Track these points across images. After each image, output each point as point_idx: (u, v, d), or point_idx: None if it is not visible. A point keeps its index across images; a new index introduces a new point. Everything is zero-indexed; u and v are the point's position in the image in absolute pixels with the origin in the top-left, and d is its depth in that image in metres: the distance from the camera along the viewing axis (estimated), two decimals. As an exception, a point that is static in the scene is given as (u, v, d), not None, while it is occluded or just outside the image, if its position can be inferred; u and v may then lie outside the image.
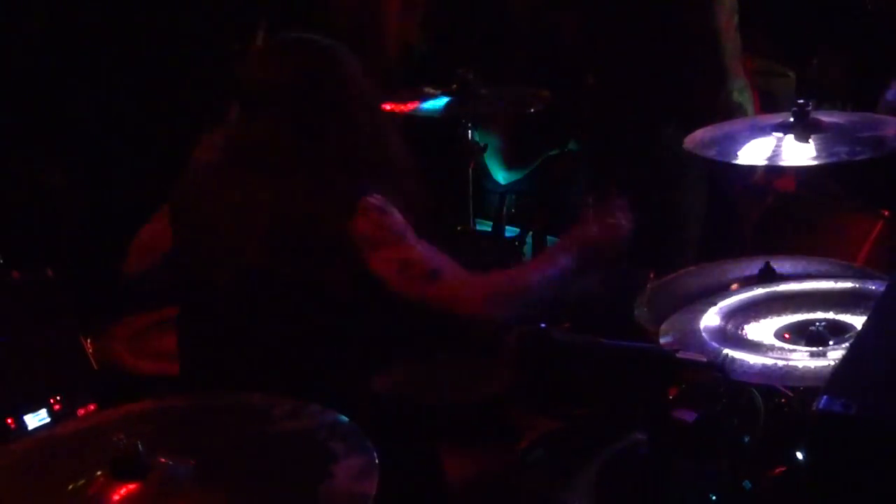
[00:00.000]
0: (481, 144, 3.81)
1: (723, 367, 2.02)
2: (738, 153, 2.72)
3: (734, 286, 2.67)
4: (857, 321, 2.17)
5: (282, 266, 2.37)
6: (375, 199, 2.36)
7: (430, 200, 2.60)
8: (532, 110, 3.76)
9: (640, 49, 3.51)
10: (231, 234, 2.42)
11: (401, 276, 2.35)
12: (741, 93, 3.45)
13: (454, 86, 3.61)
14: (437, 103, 3.58)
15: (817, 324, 2.17)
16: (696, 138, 2.85)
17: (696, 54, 3.44)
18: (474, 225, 3.79)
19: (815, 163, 2.61)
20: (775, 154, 2.66)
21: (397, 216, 2.38)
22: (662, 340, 2.22)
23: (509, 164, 4.53)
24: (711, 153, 2.80)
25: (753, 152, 2.69)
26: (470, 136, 3.75)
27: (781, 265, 2.70)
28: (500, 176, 4.55)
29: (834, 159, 2.57)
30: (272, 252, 2.37)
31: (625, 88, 3.62)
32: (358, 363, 2.48)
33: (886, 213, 3.32)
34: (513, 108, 3.94)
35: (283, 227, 2.37)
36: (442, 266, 2.39)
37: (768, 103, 3.85)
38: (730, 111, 3.36)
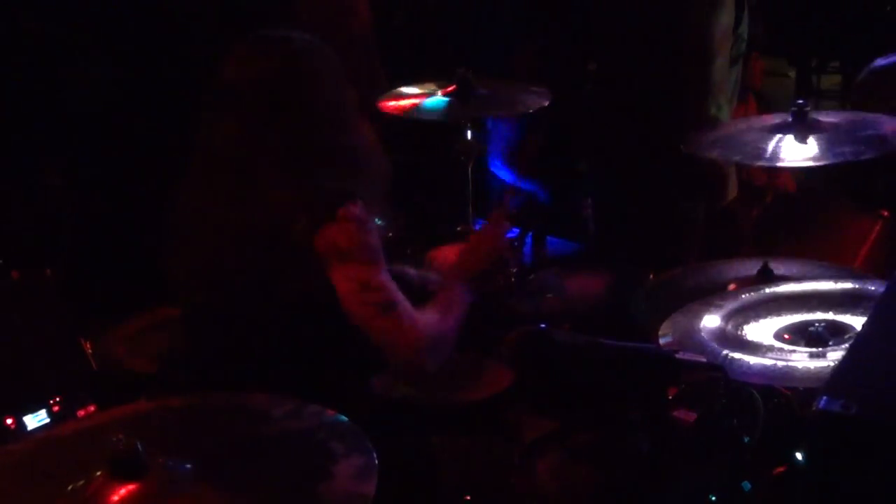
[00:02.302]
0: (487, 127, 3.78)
1: (723, 367, 2.02)
2: (741, 153, 2.72)
3: (733, 286, 2.67)
4: (857, 321, 2.17)
5: (263, 270, 2.35)
6: (357, 210, 2.31)
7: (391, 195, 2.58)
8: (531, 111, 3.75)
9: (637, 54, 3.53)
10: (208, 238, 2.41)
11: (356, 297, 2.30)
12: (720, 109, 3.49)
13: (454, 86, 3.61)
14: (438, 103, 3.57)
15: (817, 324, 2.17)
16: (697, 139, 2.85)
17: (688, 66, 3.46)
18: (474, 225, 3.79)
19: (819, 163, 2.61)
20: (778, 154, 2.67)
21: (373, 234, 2.34)
22: (662, 340, 2.23)
23: (509, 162, 4.52)
24: (713, 153, 2.80)
25: (756, 152, 2.69)
26: (470, 136, 3.74)
27: (777, 267, 2.70)
28: (497, 167, 4.53)
29: (839, 159, 2.57)
30: (250, 256, 2.35)
31: (622, 87, 3.63)
32: (357, 363, 2.47)
33: (886, 213, 3.32)
34: (513, 108, 3.94)
35: (259, 232, 2.33)
36: (398, 301, 2.33)
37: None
38: (706, 125, 3.38)
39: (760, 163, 2.74)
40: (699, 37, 3.44)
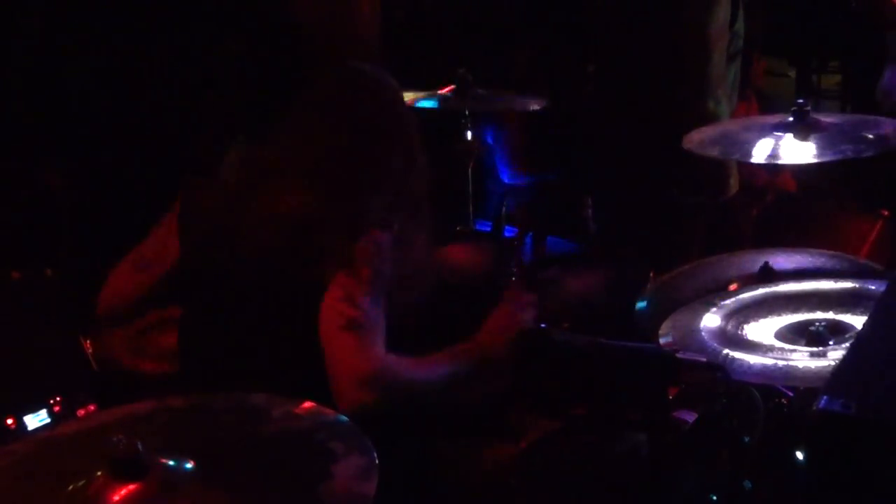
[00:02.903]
0: (489, 143, 3.81)
1: (723, 367, 2.02)
2: (742, 151, 2.72)
3: (734, 286, 2.67)
4: (857, 321, 2.17)
5: (298, 267, 2.37)
6: (384, 238, 2.35)
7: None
8: (531, 109, 3.76)
9: (635, 50, 3.54)
10: (257, 233, 2.43)
11: (335, 303, 2.30)
12: (718, 104, 3.50)
13: (453, 86, 3.62)
14: (432, 102, 3.58)
15: (817, 324, 2.17)
16: (697, 138, 2.86)
17: (685, 62, 3.48)
18: (474, 225, 3.79)
19: (820, 160, 2.61)
20: (779, 152, 2.67)
21: (385, 265, 2.35)
22: (662, 340, 2.23)
23: (516, 166, 4.53)
24: (714, 152, 2.80)
25: (757, 150, 2.69)
26: (470, 136, 3.75)
27: (779, 260, 2.70)
28: (506, 174, 4.55)
29: (839, 156, 2.57)
30: (292, 254, 2.38)
31: (621, 85, 3.64)
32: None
33: (886, 212, 3.32)
34: (511, 107, 3.95)
35: (306, 231, 2.37)
36: (369, 328, 2.28)
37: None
38: (705, 121, 3.38)
39: (760, 160, 2.74)
40: (696, 34, 3.45)
